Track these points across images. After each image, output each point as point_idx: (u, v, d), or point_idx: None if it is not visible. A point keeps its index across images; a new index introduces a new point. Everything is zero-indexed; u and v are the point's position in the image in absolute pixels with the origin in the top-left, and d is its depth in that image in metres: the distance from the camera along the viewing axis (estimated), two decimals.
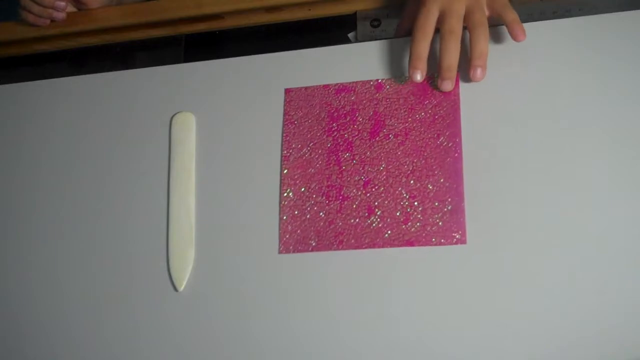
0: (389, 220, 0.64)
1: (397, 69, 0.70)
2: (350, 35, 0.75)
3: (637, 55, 0.66)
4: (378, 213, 0.65)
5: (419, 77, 0.66)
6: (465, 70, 0.65)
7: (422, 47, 0.66)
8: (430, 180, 0.65)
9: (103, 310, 0.67)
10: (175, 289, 0.66)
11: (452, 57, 0.65)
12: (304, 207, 0.66)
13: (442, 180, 0.64)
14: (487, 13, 0.66)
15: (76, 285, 0.69)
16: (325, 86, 0.70)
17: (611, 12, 0.69)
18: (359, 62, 0.71)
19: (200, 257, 0.67)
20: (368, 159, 0.67)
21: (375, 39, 0.73)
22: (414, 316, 0.61)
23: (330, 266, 0.64)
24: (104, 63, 0.77)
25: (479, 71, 0.65)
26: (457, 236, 0.62)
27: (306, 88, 0.70)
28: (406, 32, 0.69)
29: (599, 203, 0.61)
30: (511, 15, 0.65)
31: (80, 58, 0.80)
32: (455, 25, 0.65)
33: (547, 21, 0.67)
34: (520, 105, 0.65)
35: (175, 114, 0.72)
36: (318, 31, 0.76)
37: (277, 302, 0.64)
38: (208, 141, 0.71)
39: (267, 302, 0.64)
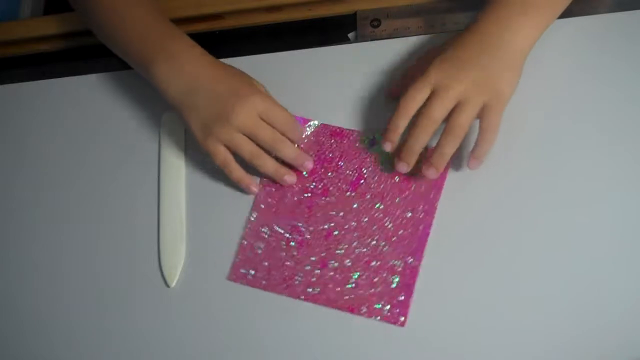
0: (339, 278, 0.63)
1: (397, 70, 0.70)
2: (350, 35, 0.74)
3: (637, 55, 0.66)
4: (331, 266, 0.63)
5: (389, 148, 0.63)
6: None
7: (402, 122, 0.62)
8: (392, 251, 0.63)
9: (95, 306, 0.67)
10: (167, 285, 0.66)
11: (416, 143, 0.62)
12: (264, 238, 0.65)
13: (402, 254, 0.63)
14: (476, 113, 0.61)
15: (67, 282, 0.69)
16: (324, 125, 0.69)
17: (611, 12, 0.69)
18: (358, 62, 0.71)
19: (191, 253, 0.67)
20: (338, 211, 0.65)
21: (375, 39, 0.73)
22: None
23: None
24: (103, 63, 0.77)
25: (431, 171, 0.62)
26: (399, 318, 0.61)
27: (303, 118, 0.69)
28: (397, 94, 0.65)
29: (600, 210, 0.61)
30: (491, 135, 0.61)
31: (80, 58, 0.80)
32: (434, 112, 0.61)
33: None
34: (516, 114, 0.65)
35: (165, 112, 0.73)
36: (318, 31, 0.76)
37: (269, 297, 0.64)
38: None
39: (259, 298, 0.64)
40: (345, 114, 0.70)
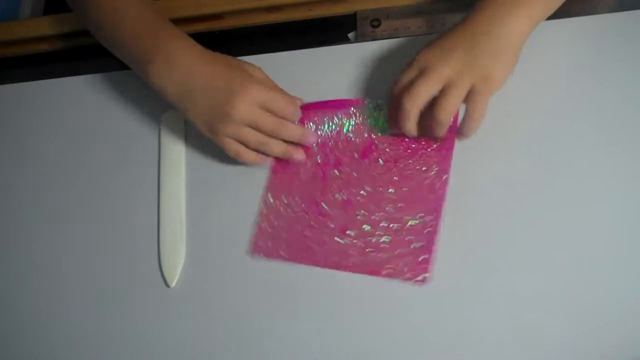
0: (359, 244, 0.63)
1: (397, 70, 0.70)
2: (350, 35, 0.75)
3: (635, 55, 0.66)
4: (351, 235, 0.64)
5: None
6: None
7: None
8: (409, 212, 0.64)
9: (95, 306, 0.67)
10: (167, 285, 0.66)
11: (405, 127, 0.63)
12: (281, 215, 0.66)
13: (421, 214, 0.63)
14: (462, 96, 0.60)
15: (67, 282, 0.69)
16: (329, 101, 0.69)
17: (611, 12, 0.69)
18: (358, 62, 0.71)
19: (191, 253, 0.67)
20: (353, 179, 0.66)
21: (375, 39, 0.73)
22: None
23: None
24: (103, 63, 0.77)
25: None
26: (423, 275, 0.61)
27: (305, 105, 0.69)
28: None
29: (599, 209, 0.61)
30: (475, 121, 0.61)
31: (81, 58, 0.80)
32: (417, 91, 0.61)
33: (548, 21, 0.67)
34: (515, 114, 0.65)
35: (165, 112, 0.73)
36: (318, 31, 0.76)
37: (267, 297, 0.64)
38: (200, 138, 0.71)
39: (258, 298, 0.64)
40: None
